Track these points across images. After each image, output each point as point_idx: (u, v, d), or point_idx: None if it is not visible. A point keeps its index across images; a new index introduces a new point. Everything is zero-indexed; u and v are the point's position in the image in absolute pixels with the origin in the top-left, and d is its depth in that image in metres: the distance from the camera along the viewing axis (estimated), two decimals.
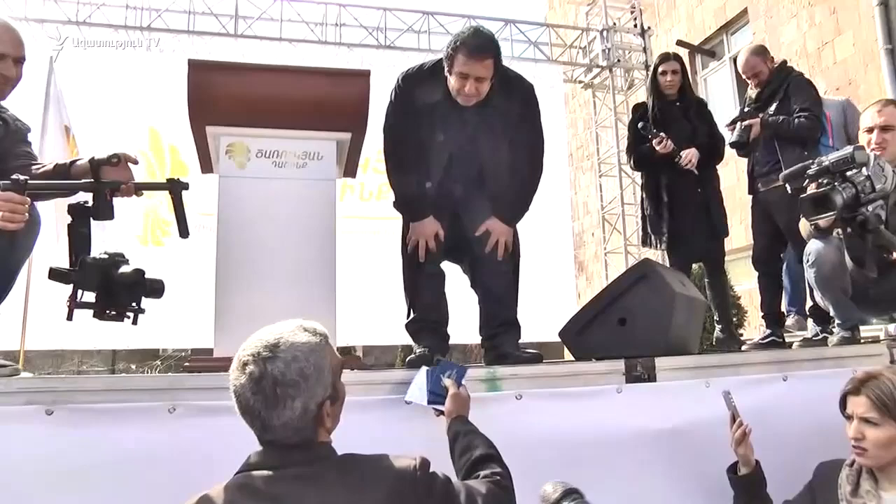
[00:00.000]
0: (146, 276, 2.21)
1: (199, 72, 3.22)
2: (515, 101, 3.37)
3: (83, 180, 2.41)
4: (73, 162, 2.55)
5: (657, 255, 5.97)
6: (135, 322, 2.18)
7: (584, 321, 3.19)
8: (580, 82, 12.94)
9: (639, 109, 5.03)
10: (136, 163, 2.52)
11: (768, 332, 4.38)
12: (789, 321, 4.89)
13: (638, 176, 12.19)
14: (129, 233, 9.22)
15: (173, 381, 2.23)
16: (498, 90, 3.28)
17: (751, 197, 4.76)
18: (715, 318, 4.72)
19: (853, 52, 9.40)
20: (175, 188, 2.51)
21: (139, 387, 2.19)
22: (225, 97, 3.17)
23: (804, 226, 3.56)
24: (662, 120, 4.77)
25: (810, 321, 4.29)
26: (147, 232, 9.72)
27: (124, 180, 2.43)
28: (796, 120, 4.25)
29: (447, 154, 3.35)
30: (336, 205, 3.34)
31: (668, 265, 4.70)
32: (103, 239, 2.47)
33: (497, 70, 3.20)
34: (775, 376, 2.78)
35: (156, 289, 2.22)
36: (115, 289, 2.13)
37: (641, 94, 12.98)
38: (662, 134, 4.61)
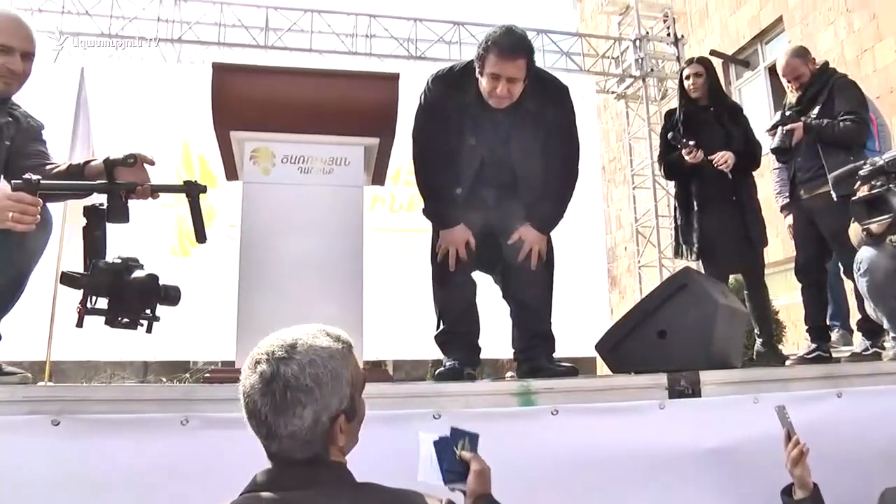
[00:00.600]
0: (161, 282, 2.09)
1: (224, 74, 3.14)
2: (549, 103, 3.24)
3: (97, 181, 2.32)
4: (87, 162, 2.46)
5: (691, 265, 5.75)
6: (149, 330, 2.07)
7: (622, 334, 3.03)
8: (613, 93, 12.80)
9: (671, 117, 4.87)
10: (152, 163, 2.42)
11: (813, 346, 4.16)
12: (834, 336, 4.69)
13: (672, 187, 12.25)
14: (164, 245, 9.23)
15: (186, 392, 2.12)
16: (531, 92, 3.16)
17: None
18: (756, 331, 4.52)
19: (895, 57, 9.16)
20: (192, 191, 2.40)
21: (150, 397, 2.07)
22: (249, 101, 3.08)
23: (854, 232, 3.37)
24: (693, 126, 4.61)
25: (858, 335, 4.08)
26: (179, 243, 9.74)
27: (140, 182, 2.33)
28: (841, 123, 4.03)
29: (479, 159, 3.23)
30: (364, 213, 3.24)
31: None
32: (135, 252, 2.35)
33: (530, 71, 3.08)
34: (829, 392, 2.58)
35: (171, 296, 2.10)
36: (127, 295, 2.02)
37: (675, 104, 12.82)
38: (692, 143, 4.46)
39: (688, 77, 4.66)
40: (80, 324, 1.98)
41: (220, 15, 9.91)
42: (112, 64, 9.38)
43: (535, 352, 3.20)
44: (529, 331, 3.29)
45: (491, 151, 3.24)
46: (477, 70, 3.12)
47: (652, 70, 12.18)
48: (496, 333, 3.50)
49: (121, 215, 2.25)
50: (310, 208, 3.08)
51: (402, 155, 3.42)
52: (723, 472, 2.31)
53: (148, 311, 2.07)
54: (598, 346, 3.08)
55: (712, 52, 11.94)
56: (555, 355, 3.23)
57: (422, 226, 3.61)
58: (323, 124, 3.10)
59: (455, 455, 1.93)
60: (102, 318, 2.02)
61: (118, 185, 2.28)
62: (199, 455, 1.97)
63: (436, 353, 3.41)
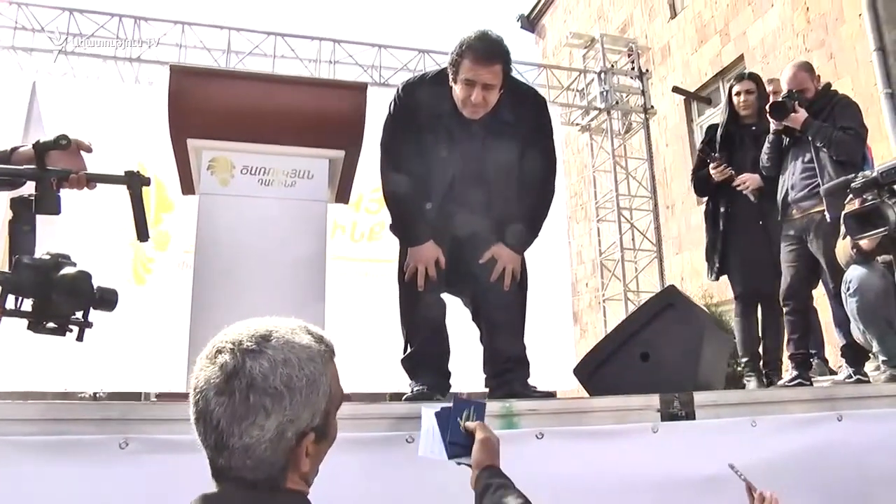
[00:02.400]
0: (94, 282, 1.81)
1: (182, 78, 2.97)
2: (526, 115, 3.09)
3: (25, 166, 2.07)
4: (14, 148, 2.21)
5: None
6: (80, 338, 1.80)
7: (602, 357, 2.87)
8: (577, 125, 12.83)
9: (710, 131, 4.80)
10: (89, 150, 2.20)
11: (794, 373, 4.04)
12: None
13: (638, 221, 12.35)
14: (118, 274, 8.88)
15: (126, 411, 1.84)
16: (507, 103, 3.01)
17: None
18: (761, 362, 4.45)
19: (852, 96, 9.31)
20: (134, 183, 2.18)
21: (84, 416, 1.80)
22: (208, 107, 2.91)
23: (842, 251, 3.27)
24: (730, 144, 4.56)
25: (841, 363, 3.96)
26: (133, 270, 9.40)
27: (75, 169, 2.10)
28: (839, 132, 3.96)
29: (451, 172, 3.07)
30: (327, 231, 3.06)
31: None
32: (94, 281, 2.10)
33: (506, 78, 2.94)
34: (829, 415, 2.44)
35: (107, 299, 1.83)
36: (54, 295, 1.75)
37: (637, 138, 12.94)
38: (717, 155, 4.38)
39: (738, 94, 4.59)
40: None
41: (182, 36, 9.70)
42: (67, 81, 9.10)
43: (508, 376, 3.01)
44: (502, 355, 3.10)
45: (464, 165, 3.07)
46: (450, 77, 2.96)
47: (617, 103, 12.24)
48: (466, 357, 3.31)
49: (51, 205, 2.00)
50: (270, 223, 2.90)
51: (364, 181, 3.26)
52: (721, 501, 2.14)
53: (79, 316, 1.81)
54: (576, 371, 2.91)
55: (674, 89, 12.11)
56: (530, 381, 3.04)
57: (383, 256, 3.47)
58: (286, 134, 2.94)
59: (459, 427, 1.76)
60: (26, 322, 1.76)
61: (49, 171, 2.04)
62: (141, 483, 1.72)
63: (394, 385, 3.21)
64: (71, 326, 1.80)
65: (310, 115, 2.98)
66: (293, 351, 1.18)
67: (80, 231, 7.14)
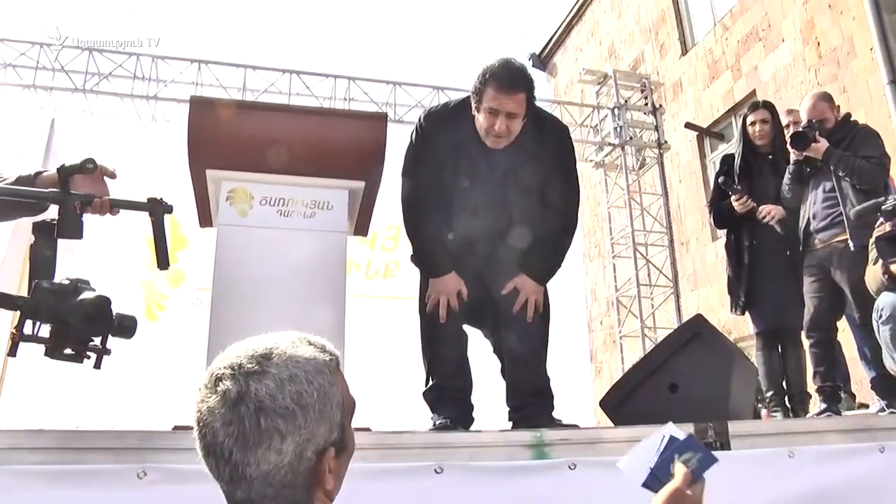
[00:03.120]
0: (113, 309, 1.76)
1: (202, 109, 2.96)
2: (549, 144, 3.07)
3: (48, 189, 2.05)
4: (38, 173, 2.19)
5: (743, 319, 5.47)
6: (97, 365, 1.74)
7: (629, 389, 2.80)
8: (591, 161, 12.83)
9: (726, 162, 4.75)
10: (113, 176, 2.18)
11: (824, 406, 3.94)
12: None
13: (654, 257, 12.29)
14: (133, 312, 8.85)
15: (143, 440, 1.79)
16: (530, 132, 2.99)
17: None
18: (785, 398, 4.35)
19: None
20: (156, 210, 2.15)
21: (101, 445, 1.75)
22: (228, 138, 2.89)
23: (872, 277, 3.19)
24: (749, 174, 4.51)
25: (875, 397, 3.85)
26: (146, 307, 9.38)
27: (98, 195, 2.07)
28: (861, 161, 3.91)
29: (473, 202, 3.03)
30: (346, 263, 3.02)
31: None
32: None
33: (530, 107, 2.91)
34: (870, 446, 2.34)
35: (126, 326, 1.78)
36: (72, 320, 1.69)
37: (651, 174, 12.92)
38: (738, 187, 4.33)
39: (752, 123, 4.56)
40: (12, 352, 1.66)
41: (198, 74, 9.82)
42: (85, 119, 9.21)
43: (532, 409, 2.93)
44: (526, 388, 3.03)
45: (486, 194, 3.04)
46: (473, 106, 2.94)
47: (631, 138, 12.24)
48: (488, 390, 3.25)
49: (73, 229, 1.98)
50: (289, 254, 2.85)
51: (379, 218, 3.23)
52: None
53: (97, 342, 1.75)
54: (603, 403, 2.84)
55: (687, 125, 12.11)
56: (554, 413, 2.97)
57: (399, 293, 3.45)
58: (305, 165, 2.90)
59: (671, 463, 1.62)
60: (43, 349, 1.71)
61: (72, 195, 2.01)
62: None
63: (414, 422, 3.14)
64: (89, 353, 1.75)
65: (330, 145, 2.95)
66: (298, 365, 1.11)
67: (91, 267, 7.15)
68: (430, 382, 3.05)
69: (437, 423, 2.90)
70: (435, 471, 1.85)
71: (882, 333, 3.16)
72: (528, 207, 3.04)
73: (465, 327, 3.19)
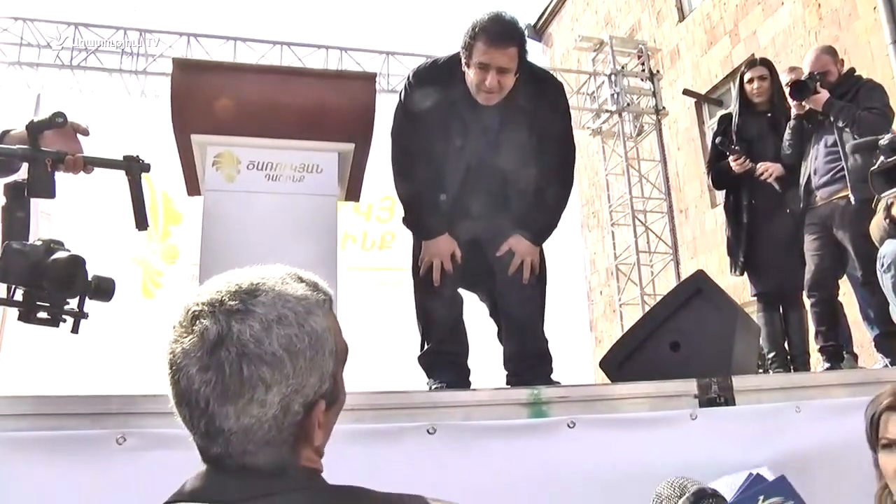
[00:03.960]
0: (88, 269, 1.68)
1: (185, 72, 2.90)
2: (544, 101, 2.96)
3: (17, 146, 1.93)
4: (6, 132, 2.08)
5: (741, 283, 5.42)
6: (75, 330, 1.65)
7: (629, 349, 2.72)
8: (588, 128, 12.72)
9: (723, 122, 4.66)
10: (86, 133, 2.09)
11: (827, 366, 3.88)
12: None
13: (653, 224, 12.23)
14: (130, 291, 8.81)
15: (124, 404, 1.70)
16: (523, 89, 2.88)
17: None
18: (787, 358, 4.29)
19: None
20: (133, 168, 2.03)
21: (80, 410, 1.67)
22: (213, 101, 2.80)
23: (876, 226, 3.10)
24: (747, 133, 4.42)
25: (879, 355, 3.79)
26: (143, 285, 9.32)
27: (71, 152, 1.98)
28: (863, 112, 3.81)
29: (465, 162, 2.95)
30: (338, 228, 2.95)
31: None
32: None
33: (522, 61, 2.81)
34: None
35: (103, 289, 1.69)
36: (45, 282, 1.60)
37: (648, 141, 12.82)
38: (736, 147, 4.26)
39: (750, 80, 4.43)
40: None
41: (187, 48, 9.66)
42: (72, 96, 9.09)
43: (530, 373, 2.86)
44: (523, 350, 2.97)
45: (479, 154, 2.95)
46: (463, 61, 2.84)
47: (628, 105, 12.12)
48: (485, 354, 3.19)
49: (45, 187, 1.87)
50: (278, 219, 2.80)
51: (373, 189, 3.15)
52: None
53: (74, 306, 1.67)
54: (602, 364, 2.77)
55: (685, 92, 11.99)
56: (553, 376, 2.91)
57: (396, 264, 3.38)
58: (293, 128, 2.83)
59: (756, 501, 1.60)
60: (17, 313, 1.63)
61: (43, 151, 1.90)
62: (139, 480, 1.57)
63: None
64: (65, 317, 1.67)
65: (318, 107, 2.88)
66: (288, 305, 0.95)
67: (86, 246, 7.08)
68: (426, 347, 2.98)
69: (433, 387, 2.84)
70: (428, 431, 1.77)
71: (885, 282, 3.08)
72: (522, 166, 2.95)
73: (461, 291, 3.13)
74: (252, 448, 0.94)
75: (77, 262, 1.65)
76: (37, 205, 3.92)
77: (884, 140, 2.46)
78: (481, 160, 2.96)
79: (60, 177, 2.03)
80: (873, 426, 1.72)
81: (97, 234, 7.76)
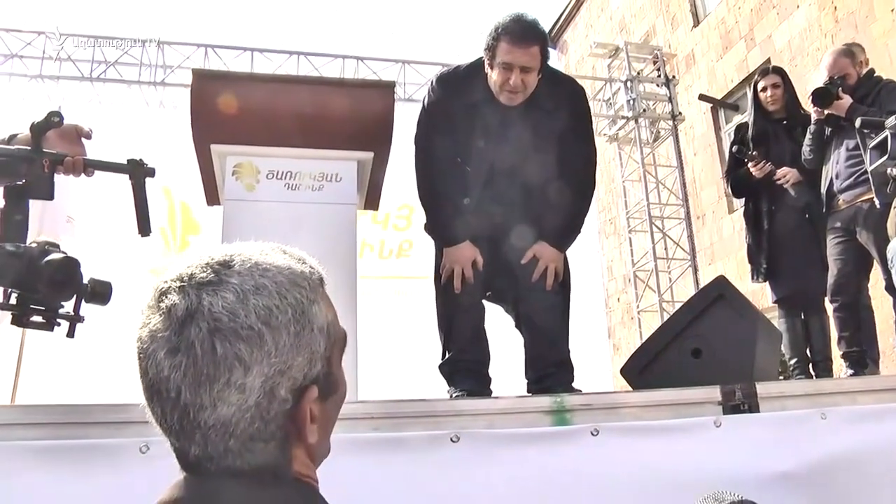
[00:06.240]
0: (83, 272, 1.64)
1: (205, 82, 2.91)
2: (565, 105, 2.98)
3: (15, 146, 1.90)
4: (13, 135, 2.07)
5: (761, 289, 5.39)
6: (70, 334, 1.62)
7: (650, 356, 2.70)
8: (604, 135, 12.69)
9: (740, 131, 4.66)
10: (89, 137, 2.08)
11: (850, 372, 3.84)
12: None
13: (670, 230, 12.16)
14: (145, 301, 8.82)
15: (146, 413, 1.70)
16: (545, 92, 2.90)
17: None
18: (809, 365, 4.27)
19: None
20: (137, 172, 1.99)
21: (102, 420, 1.68)
22: (232, 110, 2.82)
23: (891, 221, 3.07)
24: (763, 140, 4.42)
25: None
26: None
27: (72, 154, 1.93)
28: (889, 116, 3.77)
29: (488, 164, 2.94)
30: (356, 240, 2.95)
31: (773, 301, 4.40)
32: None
33: (544, 61, 2.84)
34: None
35: (99, 292, 1.64)
36: (38, 284, 1.56)
37: (665, 147, 12.77)
38: (755, 153, 4.28)
39: (764, 89, 4.45)
40: None
41: (204, 59, 9.76)
42: (92, 108, 9.20)
43: (551, 381, 2.86)
44: (545, 359, 2.95)
45: (501, 156, 2.94)
46: (486, 63, 2.86)
47: (644, 111, 12.09)
48: (507, 362, 3.18)
49: (42, 189, 1.84)
50: (298, 228, 2.78)
51: (390, 198, 3.16)
52: (790, 500, 1.97)
53: (66, 310, 1.63)
54: (623, 371, 2.75)
55: (701, 97, 11.93)
56: (575, 385, 2.89)
57: (413, 272, 3.36)
58: (312, 137, 2.85)
59: None
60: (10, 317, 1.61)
61: (42, 152, 1.86)
62: (161, 490, 1.57)
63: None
64: (59, 321, 1.63)
65: (337, 116, 2.90)
66: (267, 275, 0.82)
67: (99, 259, 7.13)
68: (447, 355, 2.98)
69: (454, 395, 2.83)
70: (451, 440, 1.76)
71: None
72: (545, 169, 2.96)
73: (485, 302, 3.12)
74: (235, 446, 0.80)
75: (71, 265, 1.61)
76: (63, 209, 3.94)
77: (890, 122, 2.45)
78: (504, 163, 2.96)
79: (83, 183, 2.04)
80: None
81: (115, 243, 7.80)
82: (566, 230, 3.01)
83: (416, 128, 3.04)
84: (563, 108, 2.95)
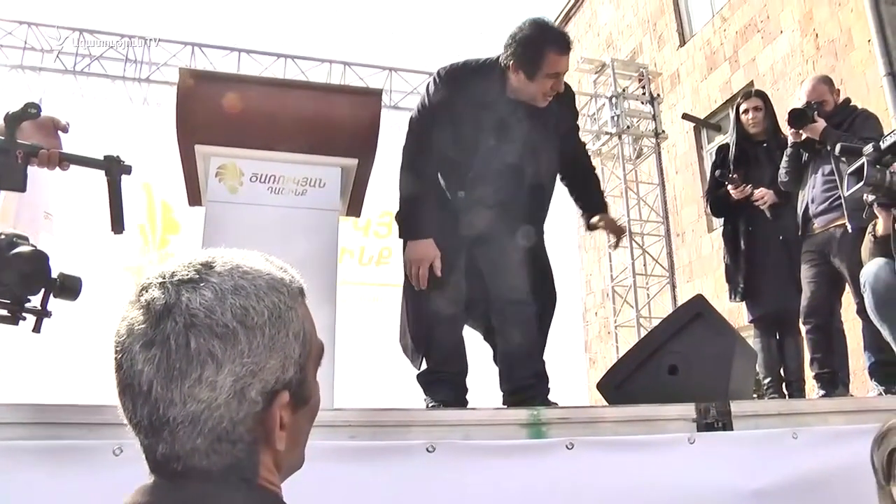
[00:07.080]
0: (51, 266, 1.62)
1: (191, 82, 2.88)
2: (567, 103, 3.09)
3: None
4: None
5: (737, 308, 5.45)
6: (37, 329, 1.60)
7: (627, 371, 2.72)
8: (588, 150, 12.74)
9: (721, 151, 4.74)
10: (65, 130, 2.06)
11: (822, 393, 3.89)
12: None
13: (650, 247, 12.24)
14: (124, 298, 8.74)
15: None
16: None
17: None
18: (783, 385, 4.33)
19: None
20: (113, 169, 1.98)
21: (78, 420, 1.66)
22: (218, 112, 2.81)
23: (864, 246, 3.13)
24: (743, 162, 4.50)
25: (874, 383, 3.80)
26: None
27: (48, 146, 1.92)
28: (861, 142, 3.84)
29: (497, 162, 2.96)
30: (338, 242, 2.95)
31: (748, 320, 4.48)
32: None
33: None
34: (874, 427, 2.27)
35: (69, 287, 1.62)
36: (4, 276, 1.53)
37: (647, 164, 12.87)
38: (735, 176, 4.35)
39: (746, 111, 4.52)
40: None
41: (191, 58, 9.69)
42: (74, 102, 9.10)
43: (528, 393, 2.87)
44: (522, 371, 2.96)
45: (511, 154, 2.98)
46: (523, 74, 2.85)
47: (628, 128, 12.18)
48: (483, 371, 3.19)
49: (14, 180, 1.83)
50: (280, 232, 2.79)
51: (372, 205, 3.15)
52: None
53: (33, 303, 1.61)
54: (600, 385, 2.77)
55: (684, 116, 12.05)
56: (550, 397, 2.90)
57: (392, 280, 3.36)
58: (297, 141, 2.84)
59: None
60: None
61: (15, 143, 1.84)
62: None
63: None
64: (25, 315, 1.61)
65: (322, 121, 2.89)
66: (246, 277, 0.84)
67: (75, 254, 7.06)
68: (426, 366, 2.97)
69: (430, 406, 2.83)
70: (427, 449, 1.76)
71: (867, 303, 3.09)
72: (551, 166, 3.07)
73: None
74: (202, 445, 0.80)
75: (40, 258, 1.60)
76: (41, 204, 3.89)
77: (867, 148, 2.51)
78: (513, 159, 2.98)
79: (61, 178, 2.01)
80: (891, 461, 1.67)
81: (92, 239, 7.72)
82: (603, 198, 3.32)
83: (416, 113, 3.03)
84: (565, 106, 3.07)
